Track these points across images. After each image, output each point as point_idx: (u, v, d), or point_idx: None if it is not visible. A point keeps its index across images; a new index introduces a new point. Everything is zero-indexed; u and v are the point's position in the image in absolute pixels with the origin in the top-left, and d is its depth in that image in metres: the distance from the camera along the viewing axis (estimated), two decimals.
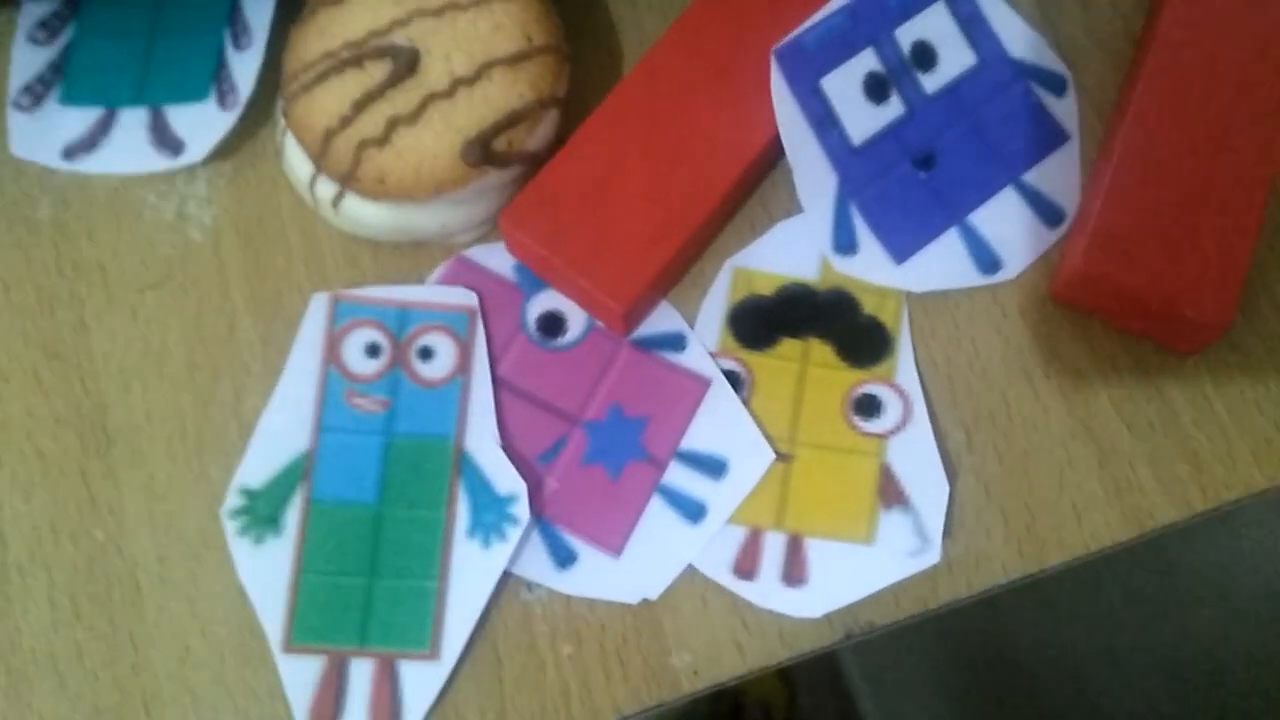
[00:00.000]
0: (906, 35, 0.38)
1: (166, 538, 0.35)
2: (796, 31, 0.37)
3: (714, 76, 0.38)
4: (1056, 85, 0.39)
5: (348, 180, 0.36)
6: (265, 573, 0.34)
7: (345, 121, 0.35)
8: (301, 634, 0.34)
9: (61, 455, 0.36)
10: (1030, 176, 0.38)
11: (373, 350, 0.37)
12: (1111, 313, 0.36)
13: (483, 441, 0.36)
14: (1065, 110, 0.39)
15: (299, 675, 0.34)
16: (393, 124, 0.35)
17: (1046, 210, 0.38)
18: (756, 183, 0.39)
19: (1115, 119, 0.38)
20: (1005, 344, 0.36)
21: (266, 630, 0.34)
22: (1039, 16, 0.40)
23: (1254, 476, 0.35)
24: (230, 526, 0.35)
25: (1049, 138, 0.38)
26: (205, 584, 0.35)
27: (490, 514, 0.35)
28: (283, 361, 0.37)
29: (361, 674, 0.34)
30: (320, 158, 0.36)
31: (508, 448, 0.35)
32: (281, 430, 0.36)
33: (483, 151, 0.35)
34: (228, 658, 0.34)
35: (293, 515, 0.35)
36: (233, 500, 0.35)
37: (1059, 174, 0.38)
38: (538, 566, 0.35)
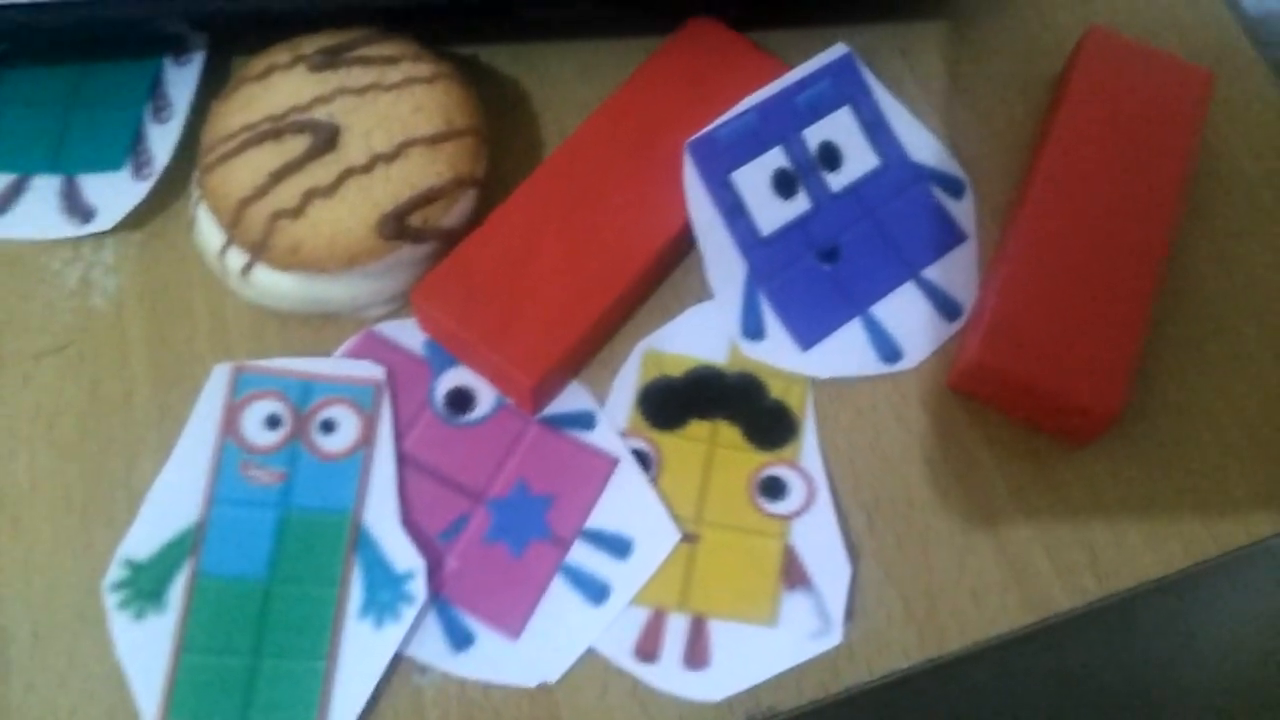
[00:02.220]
0: (814, 136, 0.40)
1: (43, 610, 0.34)
2: (710, 127, 0.38)
3: (630, 165, 0.39)
4: (955, 188, 0.41)
5: (259, 250, 0.35)
6: (145, 650, 0.33)
7: (260, 191, 0.35)
8: (179, 715, 0.32)
9: None
10: (929, 272, 0.39)
11: (272, 422, 0.36)
12: (1006, 403, 0.37)
13: (382, 517, 0.35)
14: (963, 211, 0.40)
15: None
16: (309, 196, 0.35)
17: (944, 304, 0.39)
18: (669, 268, 0.39)
19: (1009, 220, 0.40)
20: (906, 431, 0.37)
21: (141, 711, 0.32)
22: (940, 124, 0.42)
23: (1147, 564, 0.35)
24: (111, 599, 0.33)
25: (948, 237, 0.40)
26: (80, 660, 0.33)
27: (385, 592, 0.34)
28: (180, 432, 0.36)
29: None
30: (233, 227, 0.36)
31: (409, 524, 0.35)
32: (172, 501, 0.35)
33: (398, 226, 0.36)
34: None
35: (177, 590, 0.34)
36: (115, 572, 0.34)
37: (957, 271, 0.39)
38: (432, 648, 0.34)
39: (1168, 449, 0.37)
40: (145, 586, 0.33)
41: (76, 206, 0.39)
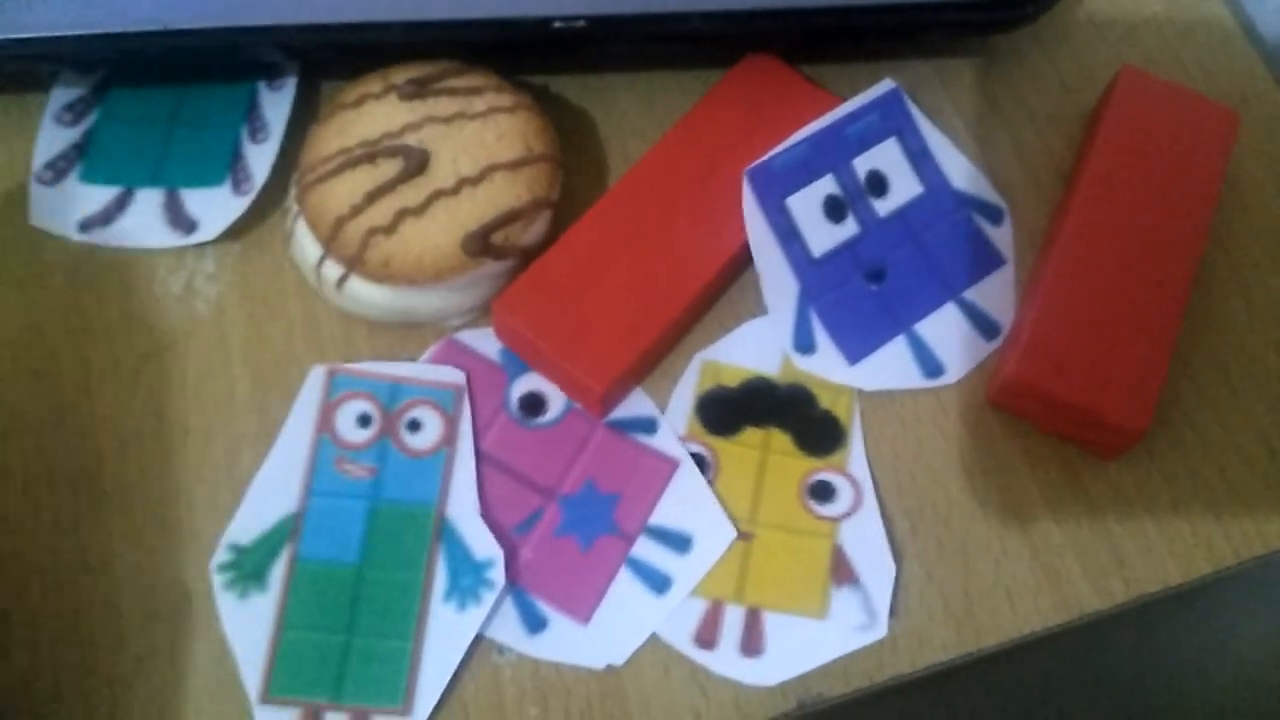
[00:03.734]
0: (862, 165, 0.43)
1: (154, 591, 0.37)
2: (766, 156, 0.41)
3: (692, 190, 0.42)
4: (994, 215, 0.44)
5: (354, 263, 0.39)
6: (249, 627, 0.36)
7: (356, 210, 0.39)
8: (279, 687, 0.35)
9: (57, 507, 0.38)
10: (970, 294, 0.42)
11: (363, 420, 0.39)
12: (1041, 418, 0.40)
13: (463, 510, 0.38)
14: (1002, 237, 0.43)
15: None
16: (400, 215, 0.39)
17: (984, 324, 0.42)
18: (726, 286, 0.42)
19: (1045, 246, 0.42)
20: (947, 442, 0.40)
21: (245, 682, 0.35)
22: (979, 154, 0.45)
23: (1170, 571, 0.38)
24: (218, 580, 0.36)
25: (987, 261, 0.43)
26: (188, 637, 0.36)
27: (467, 578, 0.37)
28: (277, 428, 0.39)
29: (336, 713, 0.35)
30: (330, 242, 0.39)
31: (486, 517, 0.38)
32: (272, 491, 0.38)
33: (481, 244, 0.39)
34: (206, 707, 0.35)
35: (278, 572, 0.37)
36: (222, 555, 0.37)
37: (995, 293, 0.42)
38: (509, 630, 0.37)
39: (1191, 463, 0.40)
40: (249, 569, 0.37)
41: (180, 218, 0.43)
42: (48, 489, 0.38)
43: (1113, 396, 0.38)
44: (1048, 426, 0.40)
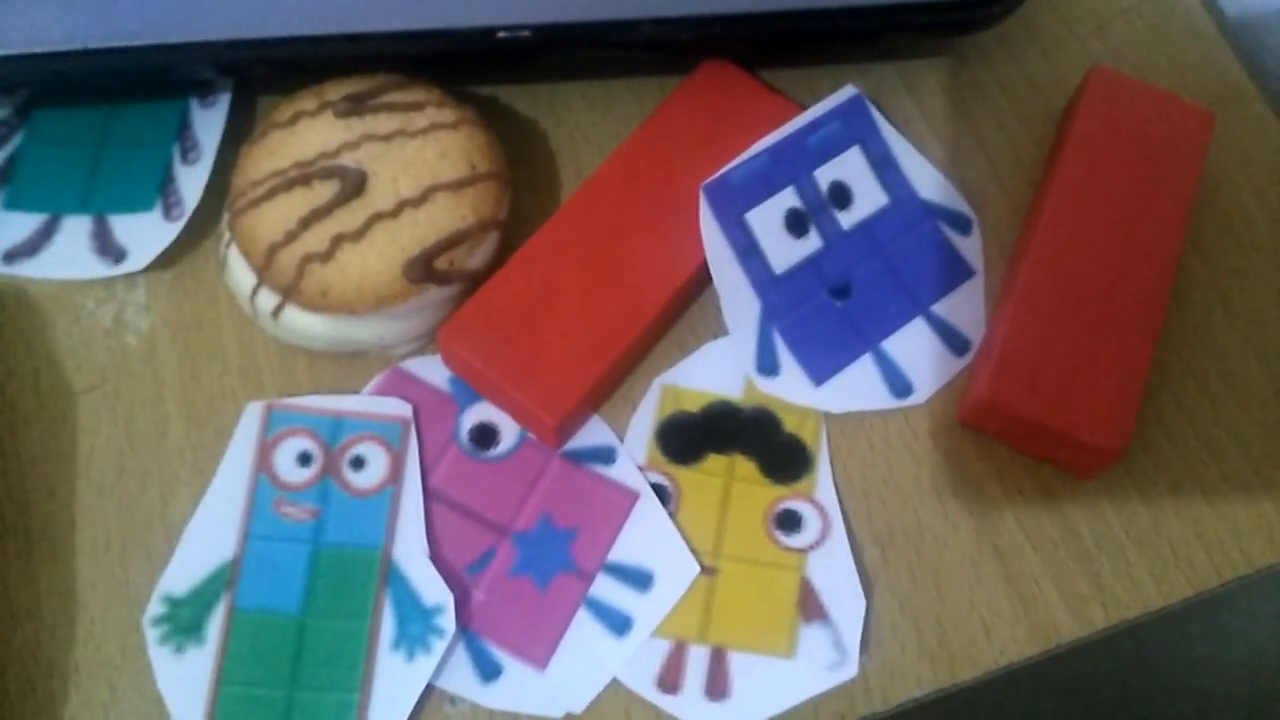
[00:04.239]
0: (824, 176, 0.41)
1: (85, 646, 0.35)
2: (723, 169, 0.40)
3: (647, 206, 0.40)
4: (962, 225, 0.42)
5: (290, 292, 0.37)
6: (185, 683, 0.34)
7: (290, 236, 0.37)
8: None
9: None
10: (938, 308, 0.40)
11: (304, 459, 0.37)
12: (1015, 437, 0.38)
13: (411, 552, 0.36)
14: (971, 248, 0.42)
15: None
16: (337, 241, 0.37)
17: (953, 340, 0.40)
18: (685, 306, 0.41)
19: (1016, 257, 0.41)
20: (917, 464, 0.38)
21: None
22: (947, 162, 0.43)
23: (1151, 595, 0.37)
24: (151, 635, 0.34)
25: (955, 273, 0.41)
26: (122, 694, 0.34)
27: (416, 625, 0.35)
28: (213, 468, 0.37)
29: None
30: (264, 270, 0.37)
31: (436, 558, 0.36)
32: (208, 537, 0.36)
33: (425, 269, 0.37)
34: None
35: (215, 624, 0.35)
36: (155, 608, 0.35)
37: (965, 306, 0.41)
38: (461, 679, 0.35)
39: (1171, 480, 0.38)
40: (184, 621, 0.35)
41: (108, 247, 0.40)
42: None
43: (1089, 416, 0.36)
44: (1022, 446, 0.38)
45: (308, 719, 0.34)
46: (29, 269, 0.40)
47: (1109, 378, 0.37)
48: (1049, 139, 0.44)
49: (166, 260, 0.40)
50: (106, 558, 0.36)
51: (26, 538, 0.36)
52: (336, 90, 0.39)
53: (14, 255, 0.40)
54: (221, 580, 0.35)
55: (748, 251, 0.39)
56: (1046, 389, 0.36)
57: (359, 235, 0.37)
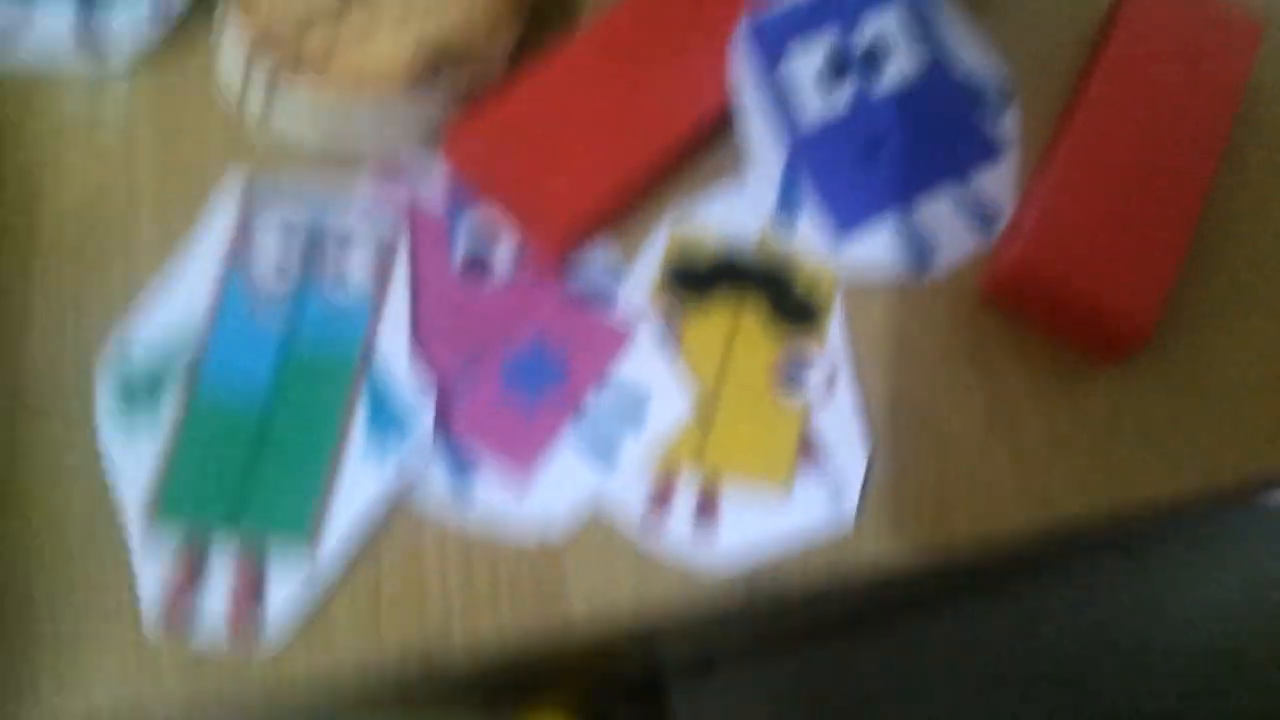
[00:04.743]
0: (866, 32, 0.39)
1: (34, 393, 0.32)
2: (766, 10, 0.37)
3: (678, 35, 0.38)
4: (1001, 101, 0.40)
5: (289, 63, 0.34)
6: (130, 451, 0.31)
7: (294, 14, 0.34)
8: (166, 508, 0.31)
9: None
10: (969, 181, 0.39)
11: (284, 253, 0.34)
12: (1039, 313, 0.36)
13: (394, 352, 0.33)
14: (1006, 125, 0.40)
15: (154, 553, 0.30)
16: (344, 18, 0.34)
17: (981, 214, 0.38)
18: (704, 143, 0.38)
19: (1052, 141, 0.39)
20: (933, 336, 0.36)
21: (125, 499, 0.31)
22: (989, 34, 0.41)
23: (1161, 486, 0.35)
24: (103, 390, 0.32)
25: (990, 148, 0.39)
26: (64, 439, 0.31)
27: (390, 430, 0.32)
28: (187, 246, 0.34)
29: (224, 559, 0.30)
30: (263, 35, 0.34)
31: (427, 365, 0.33)
32: (173, 313, 0.33)
33: (434, 64, 0.34)
34: (77, 525, 0.31)
35: (169, 403, 0.32)
36: (111, 361, 0.32)
37: (996, 183, 0.39)
38: (437, 489, 0.32)
39: (1191, 376, 0.37)
40: (137, 386, 0.32)
41: (92, 34, 0.38)
42: None
43: (1118, 289, 0.34)
44: (1045, 323, 0.37)
45: (261, 501, 0.31)
46: (6, 56, 0.37)
47: (1142, 258, 0.35)
48: (1092, 34, 0.42)
49: (153, 51, 0.37)
50: (68, 315, 0.33)
51: None
52: None
53: None
54: (182, 359, 0.33)
55: (781, 96, 0.37)
56: (1077, 263, 0.35)
57: (367, 4, 0.34)
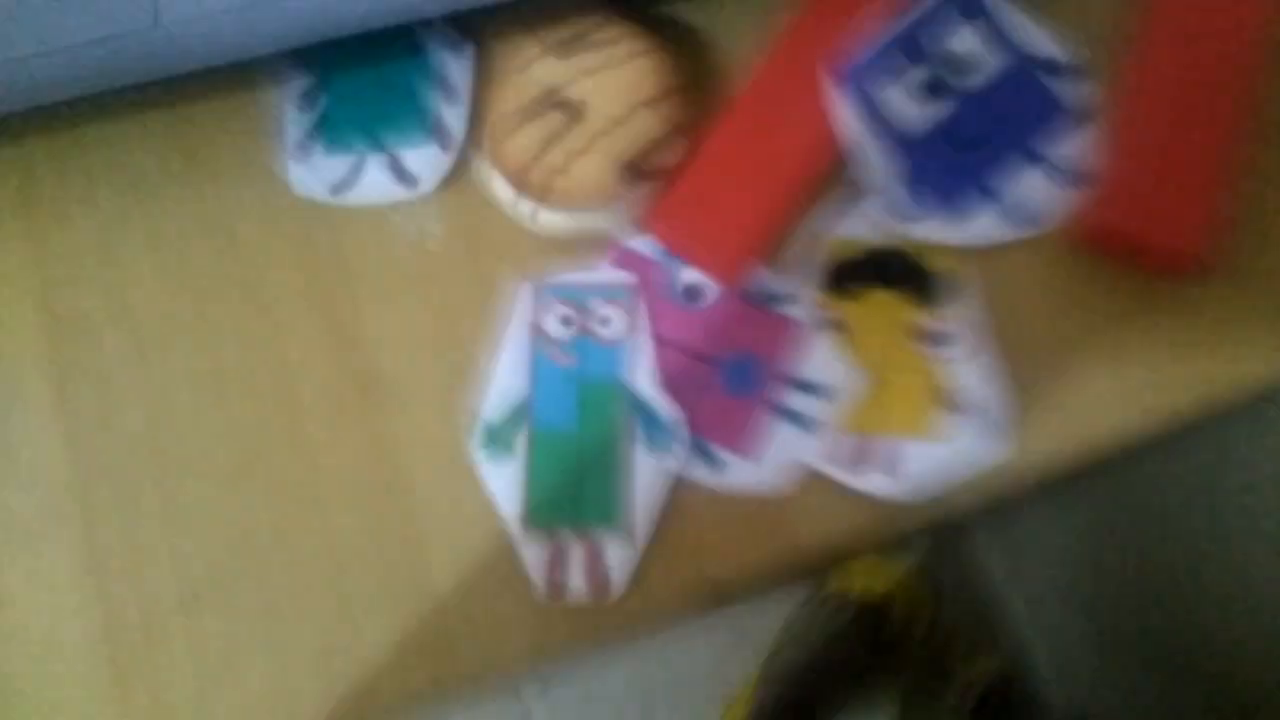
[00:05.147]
0: (948, 47, 0.49)
1: (431, 462, 0.50)
2: (858, 55, 0.49)
3: (801, 93, 0.50)
4: (1073, 75, 0.49)
5: (543, 198, 0.49)
6: (503, 483, 0.49)
7: (536, 158, 0.49)
8: (533, 520, 0.48)
9: (350, 404, 0.51)
10: (1057, 151, 0.49)
11: (565, 322, 0.50)
12: (1115, 248, 0.47)
13: (647, 383, 0.49)
14: (1081, 94, 0.49)
15: (533, 548, 0.48)
16: (570, 156, 0.49)
17: (1070, 176, 0.48)
18: (838, 171, 0.51)
19: (1120, 102, 0.48)
20: (1047, 282, 0.48)
21: (507, 519, 0.49)
22: (1051, 18, 0.50)
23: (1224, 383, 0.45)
24: (478, 452, 0.50)
25: (1067, 120, 0.49)
26: (459, 493, 0.50)
27: (659, 435, 0.48)
28: (503, 333, 0.51)
29: (575, 544, 0.48)
30: (519, 185, 0.50)
31: (666, 386, 0.49)
32: (508, 380, 0.50)
33: (634, 171, 0.49)
34: (473, 534, 0.49)
35: (520, 441, 0.49)
36: (479, 433, 0.50)
37: (1080, 147, 0.49)
38: (694, 469, 0.48)
39: (1247, 291, 0.46)
40: (499, 440, 0.50)
41: (404, 176, 0.54)
42: (337, 395, 0.52)
43: (1175, 228, 0.44)
44: (1120, 254, 0.47)
45: (590, 503, 0.48)
46: (350, 198, 0.55)
47: (1195, 201, 0.44)
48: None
49: (446, 183, 0.54)
50: (438, 399, 0.51)
51: (380, 391, 0.51)
52: (551, 36, 0.51)
53: (338, 188, 0.55)
54: (522, 411, 0.50)
55: (890, 116, 0.49)
56: (1142, 207, 0.45)
57: (585, 150, 0.49)
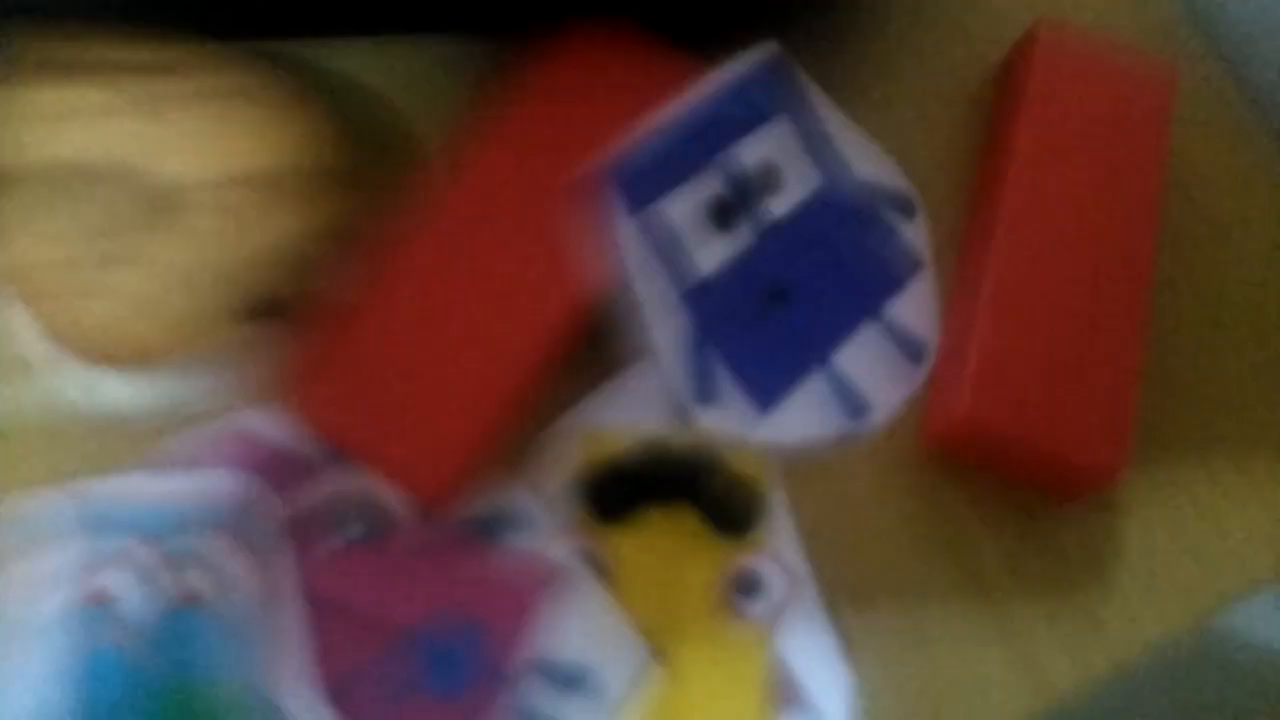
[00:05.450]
0: (748, 154, 0.34)
1: None
2: (627, 150, 0.32)
3: (530, 203, 0.32)
4: (906, 208, 0.36)
5: (89, 346, 0.27)
6: None
7: (70, 268, 0.27)
8: None
9: None
10: (889, 309, 0.35)
11: (144, 576, 0.28)
12: (992, 461, 0.33)
13: (292, 683, 0.27)
14: (916, 234, 0.36)
15: None
16: (129, 267, 0.27)
17: (908, 345, 0.34)
18: (593, 326, 0.33)
19: (971, 244, 0.35)
20: (884, 498, 0.33)
21: None
22: (880, 132, 0.37)
23: (1149, 629, 0.32)
24: None
25: (903, 266, 0.35)
26: None
27: None
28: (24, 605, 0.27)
29: None
30: (49, 324, 0.27)
31: (326, 686, 0.28)
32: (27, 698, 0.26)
33: (255, 303, 0.28)
34: None
35: None
36: None
37: (916, 305, 0.35)
38: None
39: (1164, 497, 0.34)
40: None
41: None
42: None
43: (1082, 434, 0.31)
44: (999, 469, 0.33)
45: None
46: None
47: (1098, 391, 0.32)
48: (990, 98, 0.38)
49: None
50: None
51: None
52: (107, 67, 0.29)
53: None
54: None
55: (666, 249, 0.32)
56: (1032, 405, 0.31)
57: (155, 260, 0.27)
